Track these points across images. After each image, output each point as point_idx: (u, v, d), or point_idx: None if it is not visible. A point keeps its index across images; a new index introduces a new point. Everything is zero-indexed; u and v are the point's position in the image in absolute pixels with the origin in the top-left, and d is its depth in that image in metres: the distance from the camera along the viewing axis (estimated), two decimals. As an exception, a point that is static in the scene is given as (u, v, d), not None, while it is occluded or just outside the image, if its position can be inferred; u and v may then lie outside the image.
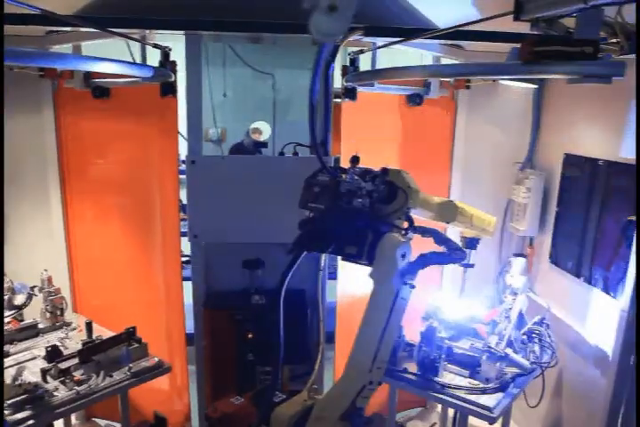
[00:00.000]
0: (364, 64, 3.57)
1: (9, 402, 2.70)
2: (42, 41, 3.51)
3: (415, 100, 3.78)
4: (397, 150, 3.85)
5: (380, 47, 3.34)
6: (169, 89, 3.25)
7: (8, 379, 2.84)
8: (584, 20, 1.90)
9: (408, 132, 3.87)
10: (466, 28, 2.49)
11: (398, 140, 3.85)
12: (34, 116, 3.71)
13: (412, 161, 3.90)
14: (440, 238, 2.32)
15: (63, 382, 2.91)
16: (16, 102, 3.65)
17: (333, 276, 3.68)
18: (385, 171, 2.10)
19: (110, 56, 3.24)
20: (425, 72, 2.79)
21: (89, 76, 3.52)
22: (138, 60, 3.82)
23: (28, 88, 3.62)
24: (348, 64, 3.45)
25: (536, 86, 3.72)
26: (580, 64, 1.92)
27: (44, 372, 2.89)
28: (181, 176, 3.54)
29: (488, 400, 2.88)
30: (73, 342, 3.35)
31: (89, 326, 3.31)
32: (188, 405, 3.90)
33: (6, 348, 3.18)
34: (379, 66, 3.65)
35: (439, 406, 4.10)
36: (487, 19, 2.14)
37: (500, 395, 2.94)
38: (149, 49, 3.44)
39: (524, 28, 2.19)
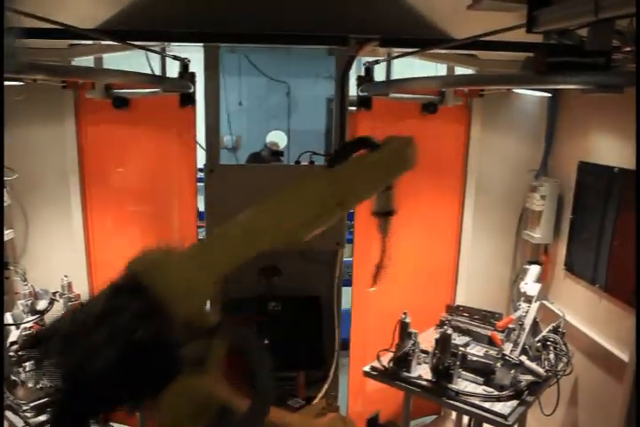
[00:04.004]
0: (379, 71, 3.61)
1: (31, 405, 2.78)
2: (64, 53, 3.60)
3: (430, 108, 3.81)
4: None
5: (395, 57, 3.39)
6: (188, 99, 3.33)
7: (30, 382, 2.91)
8: (596, 32, 1.93)
9: (422, 140, 3.88)
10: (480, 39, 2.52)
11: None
12: (56, 125, 3.80)
13: (427, 169, 3.93)
14: None
15: (83, 386, 2.97)
16: (39, 112, 3.76)
17: (348, 283, 3.71)
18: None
19: (129, 67, 3.35)
20: (439, 82, 2.83)
21: (109, 86, 3.60)
22: (157, 71, 3.92)
23: (51, 99, 3.71)
24: (362, 74, 3.49)
25: (550, 95, 3.74)
26: (592, 75, 1.95)
27: (65, 376, 2.95)
28: (198, 184, 3.61)
29: (503, 408, 2.89)
30: (92, 346, 3.42)
31: (108, 331, 3.37)
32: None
33: (27, 352, 3.25)
34: (393, 73, 3.70)
35: (453, 414, 4.10)
36: (502, 30, 2.17)
37: (514, 403, 2.94)
38: (167, 59, 3.52)
39: (538, 37, 2.23)
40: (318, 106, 8.92)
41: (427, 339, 3.38)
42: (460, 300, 4.08)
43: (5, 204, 3.69)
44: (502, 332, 3.27)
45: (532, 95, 3.80)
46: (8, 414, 2.81)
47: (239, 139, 8.92)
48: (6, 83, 3.27)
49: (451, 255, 4.17)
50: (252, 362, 1.13)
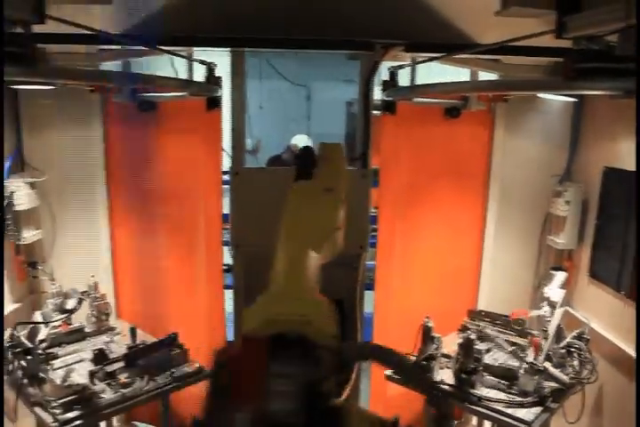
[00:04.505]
0: (402, 76, 3.62)
1: (59, 402, 2.83)
2: (93, 58, 3.66)
3: (453, 112, 3.81)
4: (434, 162, 3.89)
5: (420, 62, 3.39)
6: (214, 103, 3.37)
7: (58, 380, 2.97)
8: (625, 37, 1.92)
9: (445, 144, 3.91)
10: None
11: (435, 152, 3.89)
12: (84, 128, 3.87)
13: (449, 173, 3.93)
14: None
15: (109, 385, 3.02)
16: (67, 115, 3.84)
17: (370, 286, 3.72)
18: None
19: (153, 70, 3.40)
20: (468, 87, 2.83)
21: (136, 90, 3.66)
22: (181, 75, 3.99)
23: (79, 102, 3.79)
24: (387, 78, 3.50)
25: (576, 100, 3.71)
26: (622, 81, 1.94)
27: (92, 374, 3.00)
28: (223, 186, 3.65)
29: (526, 414, 2.87)
30: (117, 346, 3.47)
31: (133, 331, 3.43)
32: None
33: (55, 350, 3.32)
34: (416, 78, 3.71)
35: (474, 420, 4.08)
36: (531, 36, 2.17)
37: (538, 409, 2.92)
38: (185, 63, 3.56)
39: (563, 42, 2.21)
40: (338, 110, 8.94)
41: (448, 343, 3.38)
42: (482, 305, 4.06)
43: (34, 205, 3.78)
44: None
45: (556, 100, 3.78)
46: (37, 410, 2.87)
47: (259, 142, 8.98)
48: (37, 87, 3.36)
49: (473, 260, 4.16)
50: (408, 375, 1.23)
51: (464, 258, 4.13)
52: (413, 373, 1.37)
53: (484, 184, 4.06)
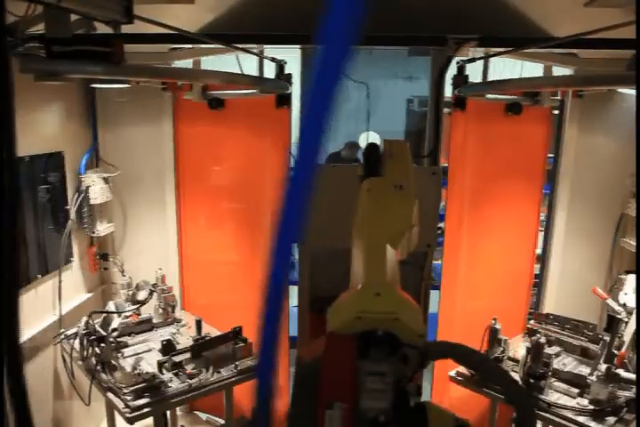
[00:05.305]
0: (471, 71, 3.54)
1: (130, 389, 2.93)
2: (165, 57, 3.77)
3: (518, 109, 3.68)
4: (501, 160, 3.79)
5: (490, 56, 3.31)
6: (284, 100, 3.40)
7: (128, 367, 3.08)
8: None
9: (512, 141, 3.80)
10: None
11: (503, 150, 3.79)
12: (155, 125, 3.99)
13: (514, 171, 3.82)
14: None
15: (176, 375, 3.10)
16: (140, 112, 3.97)
17: (436, 286, 3.66)
18: None
19: (221, 69, 3.47)
20: (545, 83, 2.73)
21: (205, 88, 3.74)
22: (247, 72, 4.04)
23: (151, 100, 3.91)
24: (456, 73, 3.43)
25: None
26: None
27: (161, 364, 3.10)
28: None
29: (599, 424, 2.75)
30: (183, 337, 3.56)
31: (198, 323, 3.50)
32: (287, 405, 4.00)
33: (125, 339, 3.44)
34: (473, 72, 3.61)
35: (539, 425, 3.94)
36: (616, 26, 2.07)
37: (611, 419, 2.79)
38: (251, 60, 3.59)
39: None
40: (398, 107, 8.89)
41: (512, 346, 3.29)
42: (549, 308, 3.93)
43: (108, 199, 3.93)
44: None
45: (634, 95, 3.59)
46: (110, 395, 2.98)
47: (318, 139, 9.04)
48: (116, 86, 3.49)
49: (538, 262, 4.03)
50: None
51: (529, 260, 4.01)
52: (498, 372, 1.34)
53: (541, 182, 3.91)
